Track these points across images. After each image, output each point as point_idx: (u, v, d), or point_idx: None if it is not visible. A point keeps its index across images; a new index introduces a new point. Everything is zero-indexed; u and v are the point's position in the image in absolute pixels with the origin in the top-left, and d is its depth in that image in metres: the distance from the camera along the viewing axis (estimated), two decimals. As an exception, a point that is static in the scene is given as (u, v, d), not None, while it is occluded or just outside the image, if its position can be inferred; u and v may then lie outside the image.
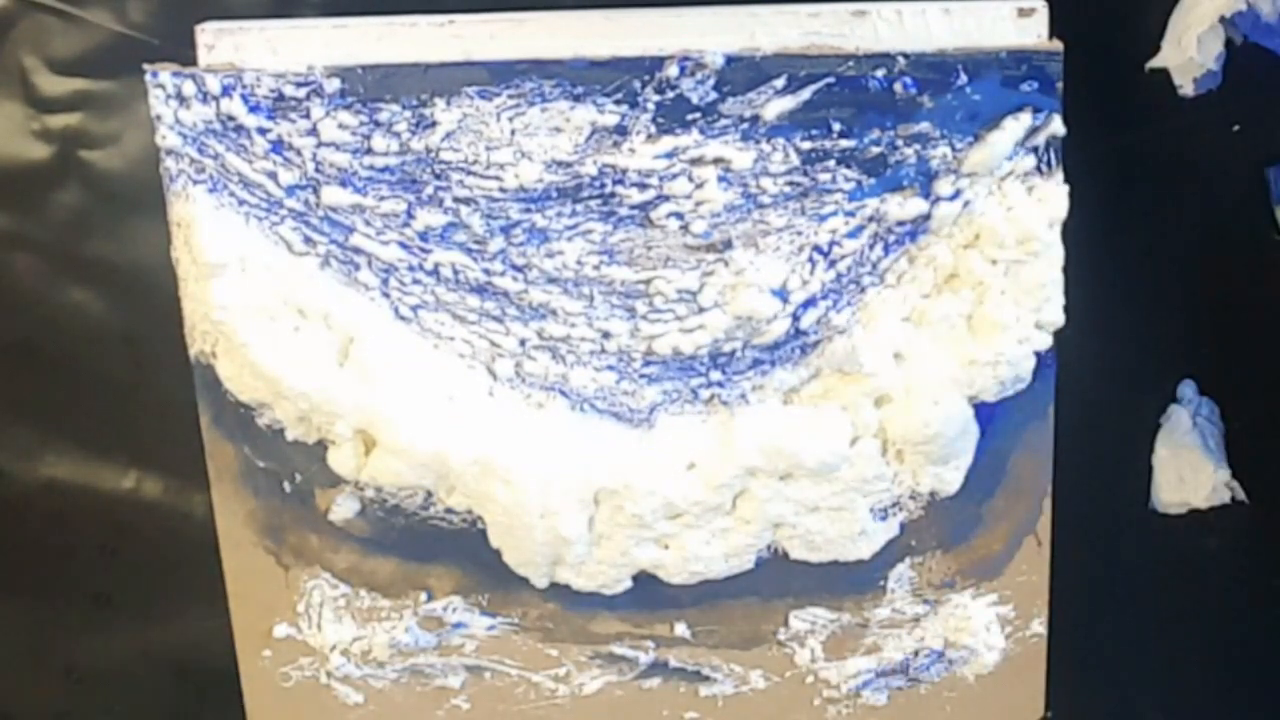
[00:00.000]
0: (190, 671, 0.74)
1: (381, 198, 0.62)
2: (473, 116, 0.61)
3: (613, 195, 0.62)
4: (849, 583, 0.68)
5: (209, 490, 0.67)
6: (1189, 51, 0.61)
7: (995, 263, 0.62)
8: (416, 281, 0.63)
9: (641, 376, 0.65)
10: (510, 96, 0.61)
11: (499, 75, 0.60)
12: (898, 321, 0.63)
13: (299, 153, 0.61)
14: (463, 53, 0.61)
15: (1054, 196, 0.62)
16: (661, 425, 0.65)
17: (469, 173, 0.62)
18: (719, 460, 0.64)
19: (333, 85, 0.60)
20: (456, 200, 0.62)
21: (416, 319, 0.64)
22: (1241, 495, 0.70)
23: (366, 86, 0.61)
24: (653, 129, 0.61)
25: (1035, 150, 0.61)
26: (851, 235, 0.62)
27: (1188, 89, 0.63)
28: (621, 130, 0.61)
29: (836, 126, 0.61)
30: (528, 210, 0.62)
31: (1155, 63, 0.63)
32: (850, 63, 0.60)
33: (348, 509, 0.67)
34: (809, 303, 0.63)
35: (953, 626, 0.69)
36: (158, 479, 0.71)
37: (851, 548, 0.66)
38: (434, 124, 0.61)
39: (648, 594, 0.67)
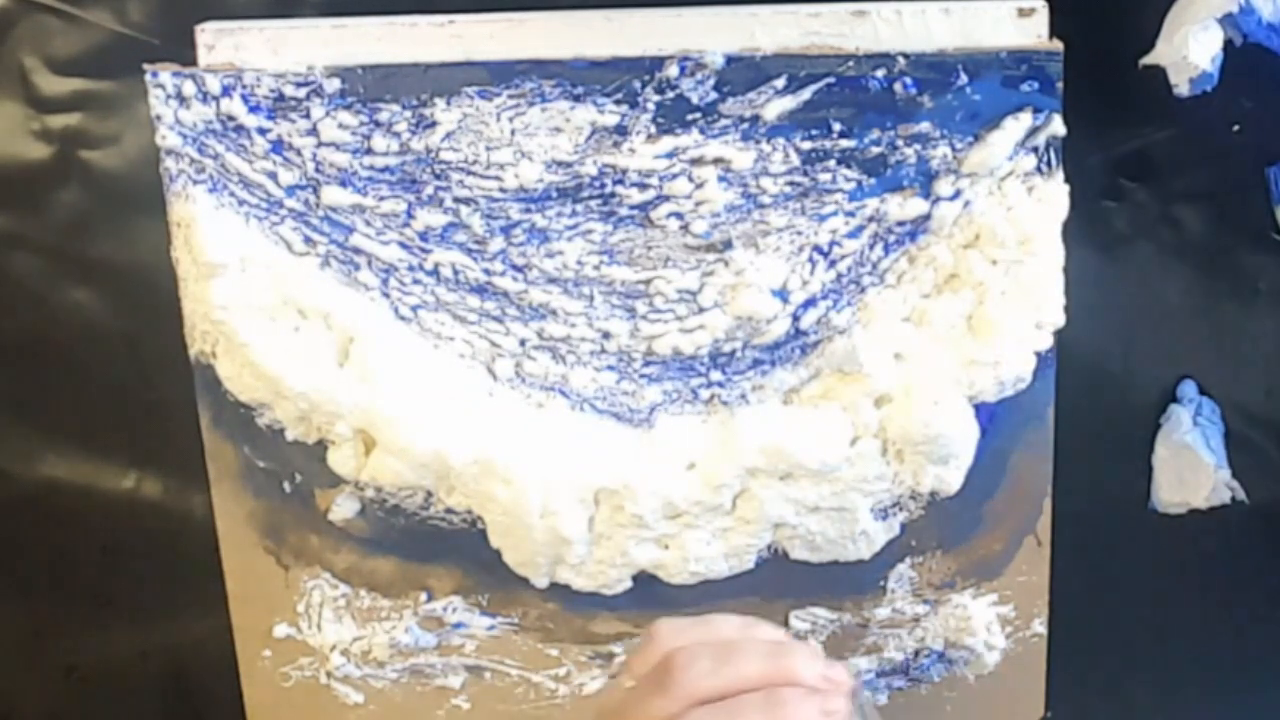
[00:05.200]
0: (190, 671, 0.74)
1: (381, 198, 0.62)
2: (473, 116, 0.61)
3: (613, 195, 0.62)
4: (849, 583, 0.68)
5: (209, 490, 0.67)
6: (1182, 50, 0.61)
7: (995, 263, 0.62)
8: (416, 281, 0.63)
9: (641, 376, 0.65)
10: (510, 96, 0.61)
11: (499, 75, 0.60)
12: (898, 321, 0.63)
13: (299, 153, 0.61)
14: (463, 53, 0.61)
15: (1054, 196, 0.62)
16: (661, 425, 0.65)
17: (469, 173, 0.62)
18: (719, 460, 0.64)
19: (333, 85, 0.60)
20: (456, 200, 0.62)
21: (416, 319, 0.64)
22: (1241, 495, 0.70)
23: (366, 86, 0.61)
24: (653, 129, 0.61)
25: (1035, 150, 0.61)
26: (852, 235, 0.62)
27: (1183, 89, 0.63)
28: (621, 130, 0.61)
29: (836, 126, 0.61)
30: (528, 210, 0.62)
31: (1149, 60, 0.63)
32: (850, 63, 0.60)
33: (348, 509, 0.67)
34: (809, 303, 0.63)
35: (953, 626, 0.69)
36: (158, 479, 0.71)
37: (851, 548, 0.66)
38: (434, 124, 0.61)
39: (648, 594, 0.67)
